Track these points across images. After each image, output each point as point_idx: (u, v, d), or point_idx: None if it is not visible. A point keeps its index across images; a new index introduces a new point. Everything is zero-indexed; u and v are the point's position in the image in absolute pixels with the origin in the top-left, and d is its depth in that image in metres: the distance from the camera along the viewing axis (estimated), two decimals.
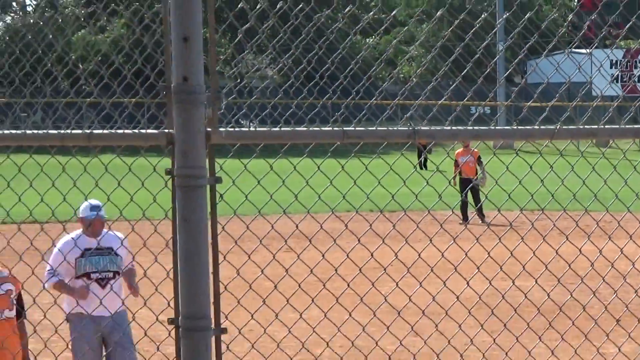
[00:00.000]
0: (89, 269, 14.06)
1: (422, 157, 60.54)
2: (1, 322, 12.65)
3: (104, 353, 14.56)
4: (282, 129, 7.70)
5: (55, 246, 13.97)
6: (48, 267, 14.24)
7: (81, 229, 14.45)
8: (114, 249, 14.20)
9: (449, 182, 38.85)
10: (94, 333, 14.08)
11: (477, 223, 35.84)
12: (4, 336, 12.64)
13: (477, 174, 39.53)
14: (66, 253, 13.95)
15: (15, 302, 12.99)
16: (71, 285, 14.16)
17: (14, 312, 12.89)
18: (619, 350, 12.87)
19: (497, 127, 8.24)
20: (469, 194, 38.53)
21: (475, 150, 39.55)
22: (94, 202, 14.22)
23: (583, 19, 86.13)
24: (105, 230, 14.51)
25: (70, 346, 14.06)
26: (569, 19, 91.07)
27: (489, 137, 8.65)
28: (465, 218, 37.35)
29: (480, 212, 38.49)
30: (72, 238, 14.19)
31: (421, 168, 56.95)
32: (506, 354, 12.65)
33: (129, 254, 14.09)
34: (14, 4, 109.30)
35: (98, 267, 14.15)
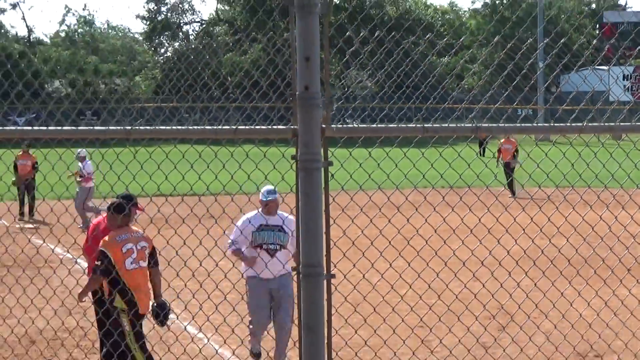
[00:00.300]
0: (261, 241, 14.17)
1: (482, 146, 60.37)
2: (138, 269, 12.80)
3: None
4: (378, 125, 7.70)
5: (235, 223, 14.27)
6: (229, 239, 14.31)
7: (260, 209, 14.43)
8: (281, 226, 14.20)
9: (497, 164, 39.10)
10: (263, 291, 14.21)
11: (521, 197, 35.69)
12: (141, 278, 13.02)
13: (514, 158, 39.57)
14: (244, 229, 14.14)
15: (148, 255, 12.97)
16: (247, 253, 14.20)
17: (146, 263, 12.92)
18: (630, 292, 12.75)
19: (537, 125, 8.15)
20: (505, 172, 38.48)
21: (514, 140, 39.73)
22: (270, 187, 14.29)
23: (604, 43, 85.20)
24: (279, 212, 14.54)
25: (246, 298, 14.24)
26: (593, 43, 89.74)
27: (531, 132, 8.62)
28: (513, 193, 37.05)
29: (510, 187, 38.39)
30: (247, 218, 14.39)
31: (481, 155, 56.71)
32: (544, 294, 12.57)
33: (292, 232, 14.04)
34: (180, 34, 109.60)
35: (268, 240, 14.21)
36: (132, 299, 12.73)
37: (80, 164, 30.07)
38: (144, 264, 12.99)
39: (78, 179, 29.88)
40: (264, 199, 14.32)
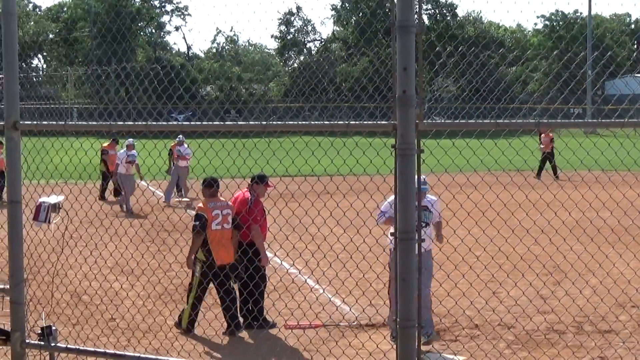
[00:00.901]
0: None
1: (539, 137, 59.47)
2: (224, 230, 13.03)
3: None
4: (460, 121, 7.66)
5: (386, 199, 12.12)
6: (380, 212, 12.31)
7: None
8: (429, 208, 12.07)
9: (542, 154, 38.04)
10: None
11: (572, 179, 35.19)
12: (226, 238, 13.10)
13: (551, 149, 38.12)
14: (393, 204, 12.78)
15: (231, 220, 13.27)
16: None
17: (230, 226, 13.16)
18: None
19: (587, 120, 8.01)
20: (547, 160, 37.26)
21: (550, 134, 37.94)
22: (422, 176, 12.79)
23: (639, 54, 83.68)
24: (428, 195, 12.54)
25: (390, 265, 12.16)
26: (634, 55, 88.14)
27: (582, 126, 8.48)
28: (538, 175, 35.62)
29: (554, 171, 37.19)
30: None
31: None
32: (592, 256, 12.38)
33: (438, 212, 12.30)
34: (304, 49, 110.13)
35: (425, 219, 11.99)
36: (210, 252, 12.93)
37: (179, 147, 29.95)
38: (228, 226, 13.16)
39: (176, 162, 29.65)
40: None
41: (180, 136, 29.83)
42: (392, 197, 12.06)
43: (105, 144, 31.40)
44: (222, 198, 13.53)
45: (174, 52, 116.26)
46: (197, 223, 13.01)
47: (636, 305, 13.56)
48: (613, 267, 12.43)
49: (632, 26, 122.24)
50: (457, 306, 12.09)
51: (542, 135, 39.82)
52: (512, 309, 12.51)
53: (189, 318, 12.98)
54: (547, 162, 37.90)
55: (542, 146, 38.60)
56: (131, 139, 28.29)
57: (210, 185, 13.34)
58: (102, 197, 30.13)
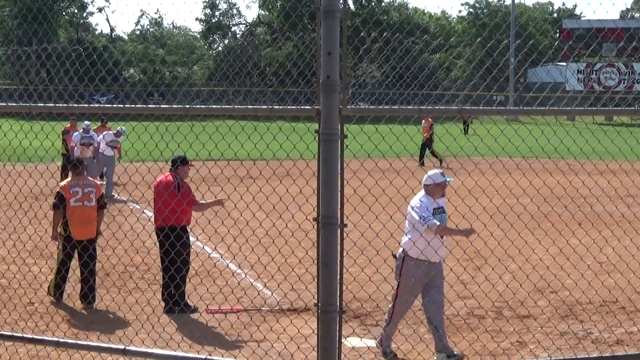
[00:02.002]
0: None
1: (466, 125, 60.11)
2: (84, 207, 13.61)
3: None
4: (383, 107, 7.70)
5: (421, 200, 10.77)
6: (421, 215, 10.63)
7: (424, 194, 10.99)
8: (443, 207, 11.13)
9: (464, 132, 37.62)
10: (424, 276, 10.90)
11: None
12: (86, 214, 13.67)
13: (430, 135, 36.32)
14: (427, 205, 10.86)
15: (94, 198, 13.71)
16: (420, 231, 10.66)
17: (92, 204, 13.67)
18: (580, 242, 12.67)
19: (509, 108, 8.11)
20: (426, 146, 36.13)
21: (430, 119, 35.97)
22: (440, 171, 11.24)
23: (563, 43, 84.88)
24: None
25: (399, 279, 11.06)
26: (555, 44, 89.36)
27: (504, 114, 8.57)
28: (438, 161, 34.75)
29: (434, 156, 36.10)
30: (420, 200, 10.86)
31: (465, 132, 56.39)
32: (512, 242, 12.51)
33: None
34: (229, 33, 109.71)
35: (443, 223, 10.91)
36: (67, 227, 13.56)
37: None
38: (89, 204, 13.70)
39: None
40: (445, 180, 11.14)
41: (87, 123, 28.43)
42: (422, 201, 10.96)
43: (67, 125, 30.61)
44: (89, 178, 14.19)
45: (97, 33, 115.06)
46: (55, 200, 13.68)
47: (554, 291, 13.77)
48: (532, 253, 12.62)
49: (555, 15, 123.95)
50: (378, 291, 12.17)
51: (423, 120, 39.52)
52: None
53: (55, 286, 13.66)
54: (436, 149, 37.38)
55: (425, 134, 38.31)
56: (87, 122, 27.60)
57: (77, 166, 14.03)
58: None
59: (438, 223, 10.72)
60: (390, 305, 11.28)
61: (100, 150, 27.11)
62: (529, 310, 13.16)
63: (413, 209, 10.81)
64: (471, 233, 10.87)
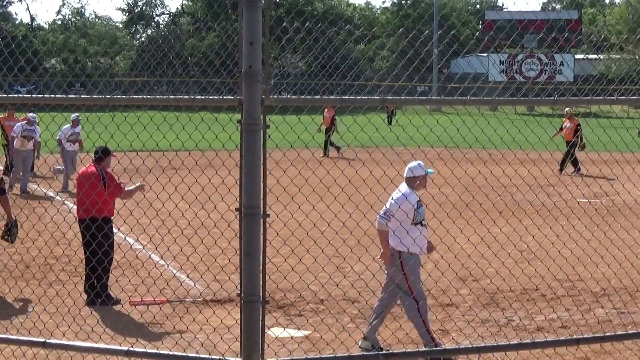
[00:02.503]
0: (419, 218, 10.95)
1: (389, 116, 60.36)
2: None
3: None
4: (306, 97, 7.74)
5: (405, 196, 10.87)
6: (385, 211, 10.92)
7: (407, 186, 11.08)
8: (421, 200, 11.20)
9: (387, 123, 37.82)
10: (418, 267, 10.97)
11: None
12: None
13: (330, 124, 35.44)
14: (407, 203, 10.88)
15: None
16: (407, 228, 10.84)
17: None
18: (500, 230, 12.81)
19: (431, 98, 8.20)
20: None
21: (332, 110, 34.96)
22: (422, 163, 11.28)
23: (484, 34, 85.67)
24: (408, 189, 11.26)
25: (406, 274, 10.90)
26: (476, 34, 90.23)
27: (426, 103, 8.63)
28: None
29: (327, 146, 35.73)
30: (403, 194, 10.86)
31: (389, 123, 56.62)
32: (434, 231, 12.63)
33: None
34: (152, 23, 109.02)
35: (424, 216, 11.09)
36: None
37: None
38: None
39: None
40: (429, 173, 11.29)
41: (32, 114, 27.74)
42: (404, 197, 11.02)
43: (1, 115, 29.66)
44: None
45: (16, 22, 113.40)
46: None
47: (476, 279, 13.93)
48: (454, 242, 12.72)
49: (478, 6, 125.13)
50: (301, 281, 12.21)
51: (326, 110, 39.10)
52: (355, 283, 12.69)
53: None
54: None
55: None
56: (33, 114, 26.67)
57: None
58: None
59: (386, 228, 10.88)
60: (406, 309, 11.13)
61: (63, 146, 26.24)
62: (451, 299, 13.30)
63: (395, 201, 10.90)
64: (384, 257, 11.06)
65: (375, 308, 11.30)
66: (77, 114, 26.52)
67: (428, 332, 10.99)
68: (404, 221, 10.84)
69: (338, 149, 36.13)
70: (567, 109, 33.36)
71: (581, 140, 32.20)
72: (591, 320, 12.43)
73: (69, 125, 26.26)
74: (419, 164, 11.22)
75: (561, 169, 32.19)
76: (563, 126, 33.03)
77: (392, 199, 10.96)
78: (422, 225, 11.08)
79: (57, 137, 25.91)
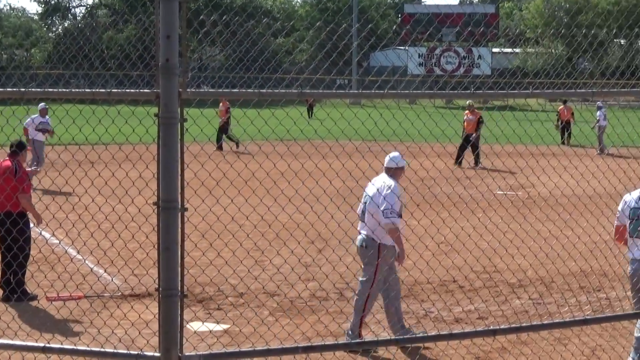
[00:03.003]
0: (402, 210, 11.34)
1: (309, 109, 60.26)
2: None
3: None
4: (223, 90, 7.73)
5: (390, 189, 11.12)
6: (390, 206, 11.10)
7: (391, 178, 11.43)
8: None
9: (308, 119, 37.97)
10: (392, 260, 11.25)
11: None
12: None
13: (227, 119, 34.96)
14: (399, 195, 11.21)
15: None
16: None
17: None
18: (418, 222, 12.91)
19: (349, 91, 8.21)
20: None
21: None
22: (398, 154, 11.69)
23: (402, 28, 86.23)
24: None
25: (377, 265, 11.18)
26: (394, 27, 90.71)
27: (344, 97, 8.65)
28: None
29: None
30: (395, 186, 11.25)
31: (309, 116, 56.70)
32: (352, 224, 12.69)
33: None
34: (69, 15, 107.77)
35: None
36: None
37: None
38: None
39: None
40: (404, 164, 11.63)
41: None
42: (396, 185, 11.29)
43: None
44: None
45: None
46: None
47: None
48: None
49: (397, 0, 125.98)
50: (220, 275, 12.18)
51: (220, 104, 38.24)
52: (274, 276, 12.72)
53: None
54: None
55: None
56: (43, 104, 25.90)
57: None
58: None
59: (400, 226, 11.12)
60: (359, 294, 11.37)
61: (30, 136, 25.46)
62: None
63: (383, 195, 11.09)
64: (401, 261, 11.36)
65: (386, 309, 11.50)
66: (44, 103, 25.76)
67: (360, 324, 11.23)
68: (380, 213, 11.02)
69: (237, 143, 35.48)
70: (468, 101, 33.35)
71: (478, 131, 32.29)
72: (508, 311, 12.62)
73: (37, 114, 25.67)
74: (397, 155, 11.54)
75: (458, 162, 32.09)
76: (465, 119, 33.40)
77: (383, 193, 11.11)
78: (400, 217, 11.27)
79: (24, 126, 25.32)
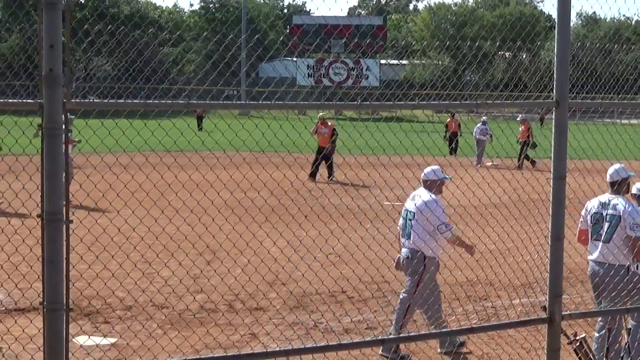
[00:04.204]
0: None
1: (200, 120, 59.44)
2: None
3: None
4: (110, 101, 7.65)
5: (434, 207, 11.34)
6: (441, 222, 11.46)
7: (431, 192, 11.83)
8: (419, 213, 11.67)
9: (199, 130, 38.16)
10: (436, 271, 11.64)
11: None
12: None
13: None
14: (443, 207, 11.67)
15: None
16: (435, 237, 11.56)
17: None
18: (307, 234, 12.98)
19: (237, 102, 8.23)
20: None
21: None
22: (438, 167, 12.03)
23: (290, 39, 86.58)
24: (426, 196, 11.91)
25: (421, 279, 11.47)
26: (280, 39, 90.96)
27: (232, 108, 8.66)
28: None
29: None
30: (436, 199, 11.68)
31: (199, 129, 56.06)
32: (240, 236, 12.68)
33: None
34: None
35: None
36: None
37: None
38: None
39: None
40: (447, 177, 11.92)
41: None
42: (439, 202, 11.67)
43: None
44: None
45: None
46: None
47: (283, 283, 14.07)
48: (261, 245, 12.83)
49: (285, 10, 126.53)
50: (106, 287, 12.05)
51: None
52: (162, 289, 12.64)
53: None
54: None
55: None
56: None
57: None
58: None
59: (455, 233, 11.64)
60: (400, 303, 11.75)
61: None
62: (258, 303, 13.39)
63: (433, 211, 11.36)
64: (472, 252, 11.70)
65: (428, 319, 11.68)
66: None
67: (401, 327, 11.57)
68: (439, 229, 11.48)
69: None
70: (320, 113, 32.70)
71: (333, 144, 31.66)
72: None
73: None
74: (437, 168, 11.95)
75: (313, 176, 31.30)
76: (318, 131, 32.11)
77: (427, 215, 11.37)
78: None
79: None
